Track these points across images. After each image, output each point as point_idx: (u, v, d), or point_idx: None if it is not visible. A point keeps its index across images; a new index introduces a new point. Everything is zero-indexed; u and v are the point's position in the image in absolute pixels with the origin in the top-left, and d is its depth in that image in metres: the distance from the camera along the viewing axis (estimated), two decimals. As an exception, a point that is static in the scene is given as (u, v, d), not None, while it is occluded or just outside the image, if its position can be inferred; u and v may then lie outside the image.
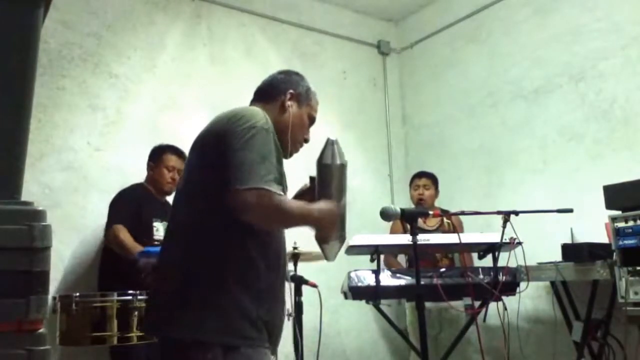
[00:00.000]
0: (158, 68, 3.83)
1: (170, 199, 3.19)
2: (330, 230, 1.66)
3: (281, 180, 1.56)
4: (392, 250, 3.51)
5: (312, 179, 1.75)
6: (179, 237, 1.60)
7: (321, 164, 1.68)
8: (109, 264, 3.02)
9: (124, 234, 2.90)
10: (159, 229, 3.08)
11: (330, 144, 1.68)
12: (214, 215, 1.52)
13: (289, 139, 1.71)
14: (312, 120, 1.80)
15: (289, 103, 1.73)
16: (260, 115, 1.57)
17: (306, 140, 1.79)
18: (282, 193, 1.51)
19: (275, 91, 1.76)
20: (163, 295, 1.56)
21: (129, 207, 3.04)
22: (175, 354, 1.51)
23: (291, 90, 1.75)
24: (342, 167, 1.69)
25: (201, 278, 1.50)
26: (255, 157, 1.47)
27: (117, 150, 3.47)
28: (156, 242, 2.98)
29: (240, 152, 1.47)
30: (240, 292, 1.49)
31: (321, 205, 1.62)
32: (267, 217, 1.50)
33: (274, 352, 1.64)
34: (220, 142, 1.52)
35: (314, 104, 1.80)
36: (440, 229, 3.68)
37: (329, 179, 1.67)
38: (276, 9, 4.43)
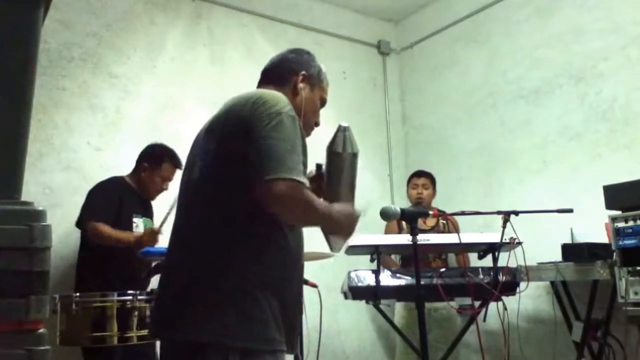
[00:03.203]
0: (158, 68, 3.83)
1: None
2: (347, 236, 1.59)
3: (305, 172, 1.47)
4: (392, 250, 3.51)
5: (318, 166, 1.67)
6: (194, 234, 1.47)
7: (331, 151, 1.58)
8: (88, 265, 2.90)
9: (106, 228, 2.80)
10: (139, 225, 3.00)
11: (342, 131, 1.58)
12: (237, 209, 1.43)
13: (302, 124, 1.56)
14: (323, 102, 1.72)
15: (301, 85, 1.64)
16: (284, 100, 1.47)
17: (317, 124, 1.71)
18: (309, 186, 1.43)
19: (286, 73, 1.66)
20: (178, 296, 1.44)
21: (109, 202, 2.92)
22: (192, 356, 1.40)
23: (304, 72, 1.66)
24: (354, 156, 1.59)
25: (220, 278, 1.40)
26: (285, 145, 1.38)
27: (117, 150, 3.47)
28: None
29: (268, 140, 1.38)
30: (260, 291, 1.41)
31: (342, 208, 1.53)
32: (297, 211, 1.41)
33: (294, 351, 1.56)
34: (243, 128, 1.41)
35: (325, 86, 1.72)
36: (435, 229, 3.68)
37: (339, 168, 1.57)
38: (276, 9, 4.43)
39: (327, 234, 1.62)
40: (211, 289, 1.40)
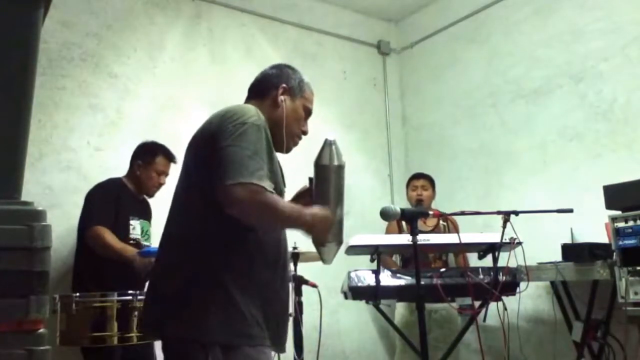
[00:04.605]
0: (158, 68, 3.83)
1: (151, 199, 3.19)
2: (322, 237, 1.64)
3: (275, 178, 1.54)
4: (392, 250, 3.51)
5: (311, 179, 1.73)
6: (177, 238, 1.59)
7: (318, 165, 1.66)
8: (86, 265, 2.87)
9: (109, 236, 2.79)
10: (136, 227, 3.00)
11: (328, 145, 1.66)
12: (212, 214, 1.51)
13: (284, 134, 1.69)
14: (308, 112, 1.79)
15: (281, 97, 1.72)
16: (252, 111, 1.56)
17: (304, 133, 1.78)
18: (273, 190, 1.49)
19: (267, 87, 1.74)
20: (161, 295, 1.56)
21: (109, 204, 2.92)
22: (176, 353, 1.51)
23: (283, 85, 1.74)
24: (340, 168, 1.66)
25: (199, 278, 1.50)
26: (245, 152, 1.46)
27: (117, 150, 3.47)
28: (132, 241, 2.92)
29: (230, 148, 1.47)
30: (238, 291, 1.49)
31: (315, 210, 1.59)
32: (258, 213, 1.48)
33: (281, 350, 1.63)
34: (213, 140, 1.52)
35: (308, 96, 1.78)
36: (436, 230, 3.67)
37: (326, 180, 1.65)
38: (276, 9, 4.43)
39: (317, 246, 1.68)
40: (189, 288, 1.49)
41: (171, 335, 1.51)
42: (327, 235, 1.63)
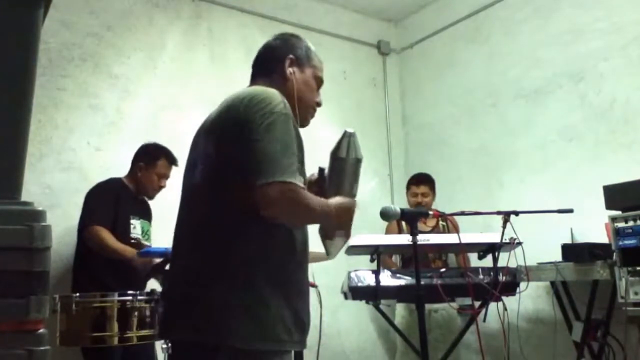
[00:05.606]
0: (158, 68, 3.83)
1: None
2: (346, 228, 1.58)
3: (303, 169, 1.48)
4: (392, 250, 3.51)
5: (321, 170, 1.67)
6: (199, 235, 1.47)
7: (335, 156, 1.58)
8: (86, 265, 2.87)
9: (108, 235, 2.78)
10: (136, 227, 3.00)
11: (346, 137, 1.58)
12: (237, 210, 1.42)
13: (299, 108, 1.58)
14: (319, 81, 1.70)
15: (290, 70, 1.62)
16: (277, 98, 1.46)
17: (318, 104, 1.69)
18: (304, 186, 1.42)
19: (274, 61, 1.64)
20: (183, 297, 1.44)
21: (108, 204, 2.91)
22: (198, 358, 1.41)
23: (290, 55, 1.64)
24: (358, 162, 1.60)
25: (225, 278, 1.40)
26: (277, 147, 1.38)
27: (117, 150, 3.47)
28: (133, 240, 2.92)
29: (260, 142, 1.38)
30: (268, 291, 1.40)
31: (339, 201, 1.53)
32: (292, 213, 1.41)
33: (304, 346, 1.55)
34: (238, 129, 1.42)
35: (317, 64, 1.69)
36: (435, 230, 3.67)
37: (341, 173, 1.58)
38: (276, 9, 4.43)
39: (324, 239, 1.62)
40: (217, 289, 1.40)
41: (193, 338, 1.40)
42: (350, 225, 1.57)
